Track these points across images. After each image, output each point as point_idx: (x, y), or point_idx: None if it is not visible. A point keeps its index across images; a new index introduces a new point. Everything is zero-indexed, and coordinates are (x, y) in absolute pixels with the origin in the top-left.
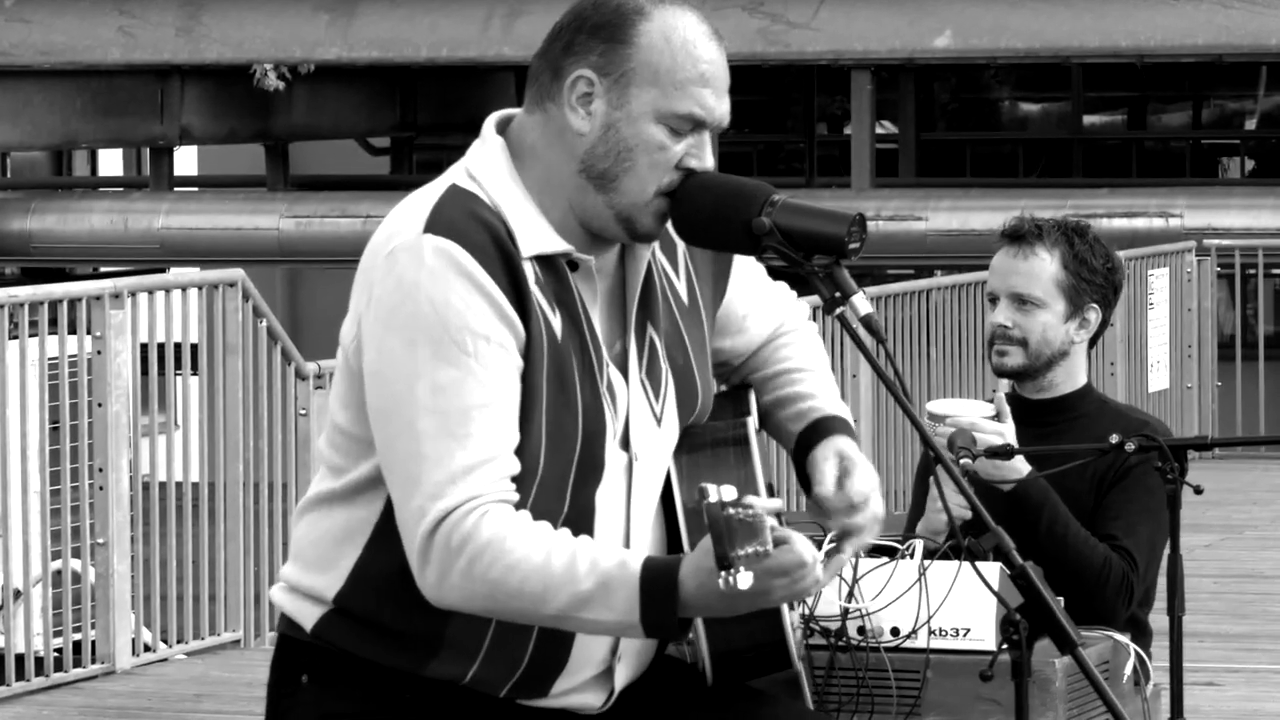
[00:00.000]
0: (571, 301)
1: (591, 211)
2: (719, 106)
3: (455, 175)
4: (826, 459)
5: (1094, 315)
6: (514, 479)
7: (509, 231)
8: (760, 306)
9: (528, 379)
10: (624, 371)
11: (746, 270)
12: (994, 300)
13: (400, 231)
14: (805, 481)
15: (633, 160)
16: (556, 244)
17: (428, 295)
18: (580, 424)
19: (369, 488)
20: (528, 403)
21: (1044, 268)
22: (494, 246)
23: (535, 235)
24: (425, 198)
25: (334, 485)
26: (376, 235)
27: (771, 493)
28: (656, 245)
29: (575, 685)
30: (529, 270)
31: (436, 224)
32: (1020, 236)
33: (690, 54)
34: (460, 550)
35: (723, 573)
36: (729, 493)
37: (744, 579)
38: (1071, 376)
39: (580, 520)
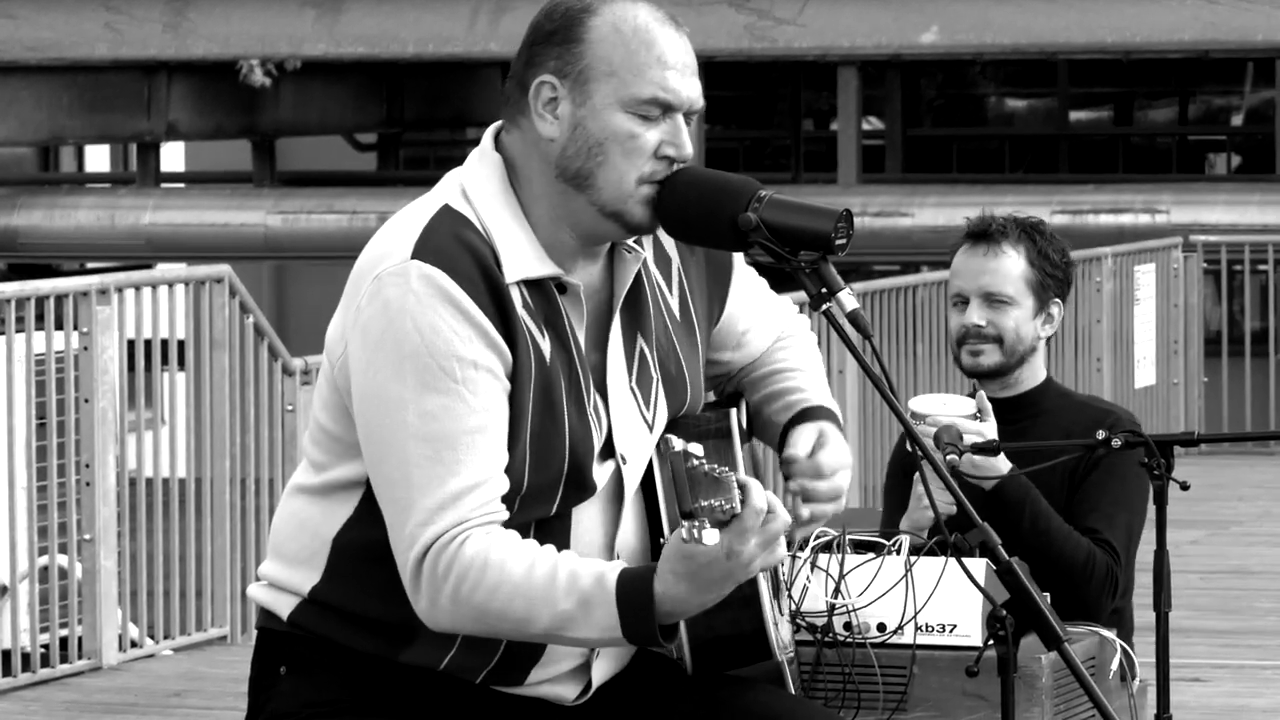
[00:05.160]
0: (560, 324)
1: (579, 215)
2: (684, 88)
3: (449, 193)
4: (806, 429)
5: (1057, 310)
6: (503, 498)
7: (496, 256)
8: (761, 321)
9: (515, 402)
10: (604, 383)
11: (747, 286)
12: (960, 301)
13: (389, 254)
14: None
15: (605, 153)
16: (544, 268)
17: (414, 322)
18: (567, 444)
19: (347, 487)
20: (514, 424)
21: (1013, 265)
22: (480, 273)
23: (523, 259)
24: (417, 217)
25: (314, 480)
26: (366, 252)
27: None
28: (650, 259)
29: (552, 676)
30: (516, 295)
31: (424, 249)
32: (988, 235)
33: (643, 40)
34: (446, 576)
35: (685, 523)
36: (695, 449)
37: (709, 535)
38: (1034, 372)
39: (564, 525)
